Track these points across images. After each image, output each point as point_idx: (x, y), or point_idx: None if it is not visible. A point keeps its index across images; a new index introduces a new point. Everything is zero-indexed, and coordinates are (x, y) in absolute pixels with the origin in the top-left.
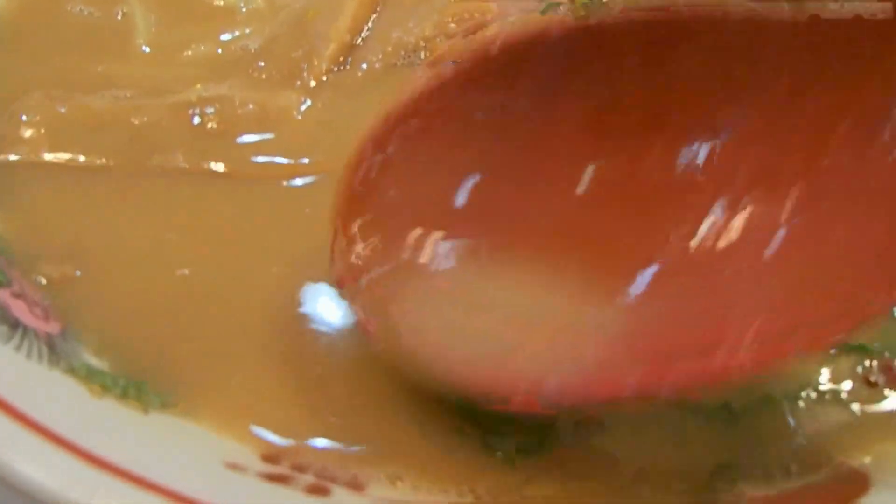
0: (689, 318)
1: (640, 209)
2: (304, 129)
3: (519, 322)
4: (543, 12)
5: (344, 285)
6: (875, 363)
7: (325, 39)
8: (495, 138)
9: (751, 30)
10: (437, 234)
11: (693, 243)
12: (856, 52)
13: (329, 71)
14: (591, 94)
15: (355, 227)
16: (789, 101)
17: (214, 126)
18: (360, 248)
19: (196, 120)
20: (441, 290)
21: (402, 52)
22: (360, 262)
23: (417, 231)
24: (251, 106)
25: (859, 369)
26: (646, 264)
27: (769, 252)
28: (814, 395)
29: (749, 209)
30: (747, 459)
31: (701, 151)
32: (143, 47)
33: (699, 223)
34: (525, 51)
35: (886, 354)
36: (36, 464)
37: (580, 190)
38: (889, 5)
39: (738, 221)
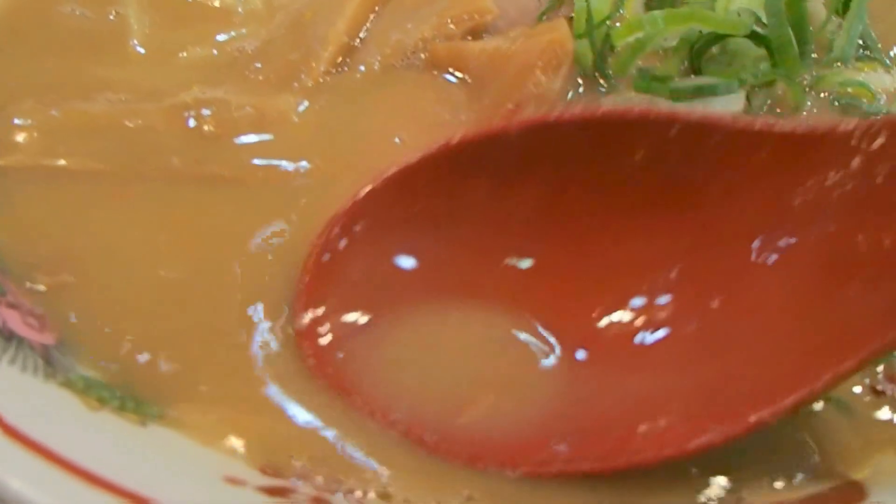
0: (613, 400)
1: (574, 293)
2: (301, 131)
3: (456, 388)
4: (543, 14)
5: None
6: (882, 371)
7: (323, 41)
8: (448, 223)
9: (691, 136)
10: (388, 308)
11: (619, 330)
12: (781, 166)
13: (327, 73)
14: (539, 185)
15: (318, 311)
16: (718, 205)
17: (210, 129)
18: (323, 328)
19: (192, 123)
20: (393, 353)
21: (402, 54)
22: (324, 338)
23: (370, 306)
24: (248, 108)
25: (867, 379)
26: (578, 343)
27: (685, 347)
28: (820, 402)
29: (670, 304)
30: (753, 466)
31: (634, 245)
32: (138, 49)
33: (625, 313)
34: (481, 146)
35: None
36: (31, 483)
37: (520, 274)
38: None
39: (660, 315)
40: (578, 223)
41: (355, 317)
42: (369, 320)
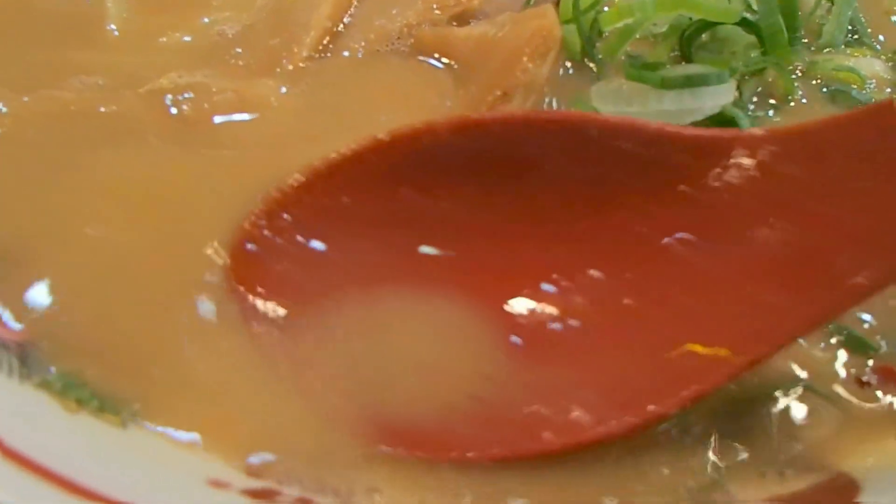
0: (524, 388)
1: (496, 285)
2: (282, 115)
3: (385, 375)
4: (529, 1)
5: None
6: (870, 363)
7: (306, 26)
8: (377, 216)
9: (609, 139)
10: (313, 295)
11: (536, 321)
12: (692, 168)
13: (309, 58)
14: (467, 182)
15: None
16: (633, 204)
17: (190, 114)
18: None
19: (171, 108)
20: (318, 339)
21: (386, 40)
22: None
23: (297, 293)
24: (229, 93)
25: (853, 370)
26: (497, 333)
27: (596, 339)
28: (806, 394)
29: (585, 298)
30: (741, 460)
31: (555, 240)
32: (116, 33)
33: (543, 305)
34: (410, 144)
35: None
36: (6, 492)
37: (443, 265)
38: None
39: (575, 308)
40: (502, 219)
41: (281, 305)
42: (295, 309)
